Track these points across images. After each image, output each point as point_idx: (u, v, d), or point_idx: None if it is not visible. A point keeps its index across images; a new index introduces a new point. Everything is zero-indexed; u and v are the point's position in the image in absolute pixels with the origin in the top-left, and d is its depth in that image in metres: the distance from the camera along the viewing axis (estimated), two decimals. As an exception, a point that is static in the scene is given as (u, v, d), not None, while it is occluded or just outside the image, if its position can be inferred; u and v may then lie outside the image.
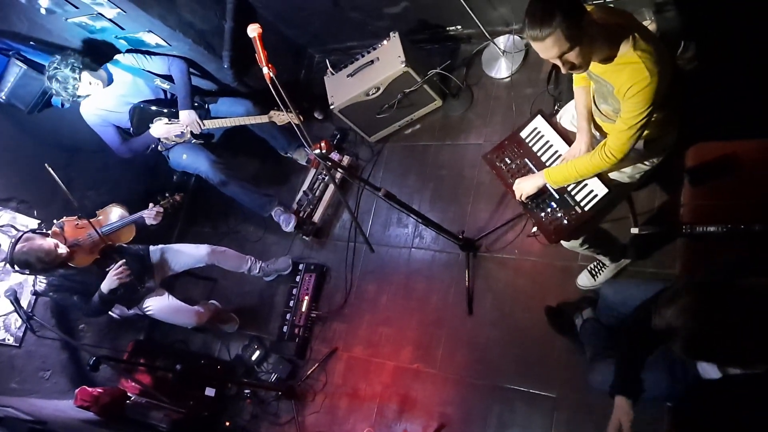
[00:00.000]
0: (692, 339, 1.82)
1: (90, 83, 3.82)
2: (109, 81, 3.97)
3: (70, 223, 3.78)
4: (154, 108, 4.10)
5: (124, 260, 3.66)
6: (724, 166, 2.68)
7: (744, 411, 2.06)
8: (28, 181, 4.17)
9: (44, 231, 3.66)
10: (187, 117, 4.02)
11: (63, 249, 3.55)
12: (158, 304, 3.97)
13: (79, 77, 3.74)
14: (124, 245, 3.95)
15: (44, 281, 3.70)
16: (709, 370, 2.19)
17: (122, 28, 3.95)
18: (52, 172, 3.39)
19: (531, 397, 3.35)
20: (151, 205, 3.90)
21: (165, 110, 4.10)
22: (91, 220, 3.76)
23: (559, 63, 2.16)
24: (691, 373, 2.30)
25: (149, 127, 4.08)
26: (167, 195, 4.00)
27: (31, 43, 3.97)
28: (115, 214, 3.96)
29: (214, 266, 4.23)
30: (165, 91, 4.16)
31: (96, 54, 4.06)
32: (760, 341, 1.78)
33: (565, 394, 3.25)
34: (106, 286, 3.61)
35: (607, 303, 2.82)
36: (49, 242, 3.50)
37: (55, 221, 3.76)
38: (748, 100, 2.98)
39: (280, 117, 4.11)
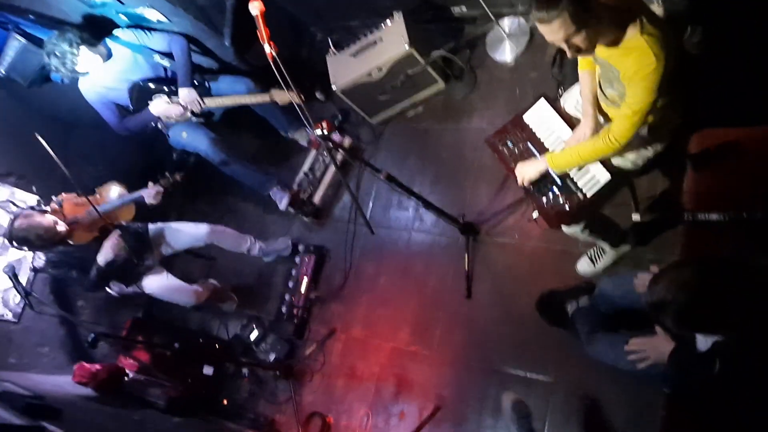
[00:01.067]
0: (682, 311, 1.84)
1: (89, 59, 3.79)
2: (108, 56, 3.93)
3: (69, 201, 3.77)
4: (153, 85, 4.07)
5: (119, 231, 3.65)
6: (727, 154, 2.66)
7: (737, 398, 2.08)
8: (26, 156, 4.14)
9: (43, 208, 3.65)
10: (187, 95, 3.99)
11: (62, 226, 3.54)
12: (157, 283, 3.97)
13: (78, 52, 3.71)
14: (124, 223, 3.94)
15: (43, 258, 3.70)
16: (700, 341, 2.21)
17: (122, 3, 3.90)
18: (43, 142, 3.35)
19: (527, 380, 3.36)
20: (150, 184, 3.88)
21: (165, 88, 4.07)
22: (90, 197, 3.74)
23: (565, 46, 2.13)
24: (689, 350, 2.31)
25: (148, 105, 4.05)
26: (167, 174, 3.99)
27: (30, 16, 3.92)
28: (114, 192, 3.95)
29: (213, 245, 4.22)
30: (165, 69, 4.12)
31: (95, 29, 4.01)
32: (746, 313, 1.82)
33: (562, 379, 3.26)
34: (102, 257, 3.63)
35: (606, 296, 2.80)
36: (48, 219, 3.49)
37: (54, 198, 3.75)
38: (753, 86, 2.95)
39: (282, 96, 4.08)
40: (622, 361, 2.53)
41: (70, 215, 3.68)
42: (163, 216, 4.35)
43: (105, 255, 3.62)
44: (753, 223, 2.50)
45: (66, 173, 3.43)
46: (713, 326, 1.94)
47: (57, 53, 3.67)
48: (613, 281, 2.79)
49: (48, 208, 3.67)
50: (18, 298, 3.96)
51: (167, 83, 4.10)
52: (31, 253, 3.90)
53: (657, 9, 2.91)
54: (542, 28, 2.09)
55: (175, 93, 4.02)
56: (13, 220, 3.45)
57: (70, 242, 3.65)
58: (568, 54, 2.18)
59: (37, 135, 3.32)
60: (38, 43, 3.89)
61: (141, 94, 4.07)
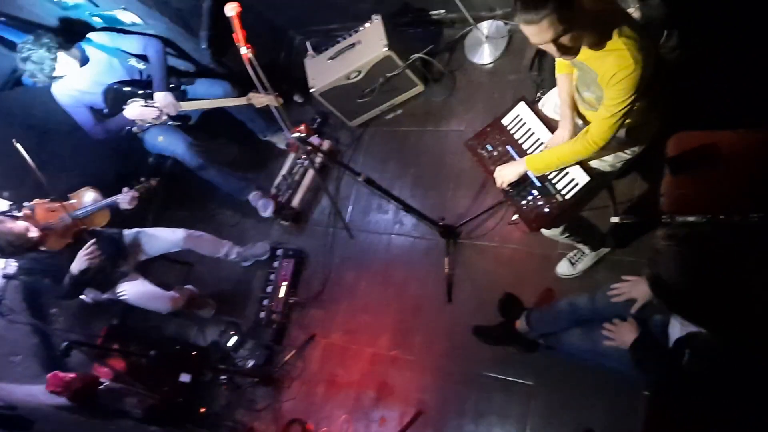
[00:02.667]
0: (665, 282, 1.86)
1: (65, 63, 3.72)
2: (84, 60, 3.85)
3: (42, 206, 3.69)
4: (128, 89, 4.00)
5: (94, 239, 3.58)
6: (705, 156, 2.68)
7: (718, 397, 2.09)
8: (-3, 162, 4.06)
9: (15, 214, 3.56)
10: (163, 99, 3.93)
11: (34, 232, 3.47)
12: (132, 289, 3.90)
13: (56, 58, 3.64)
14: (98, 229, 3.87)
15: (14, 264, 3.62)
16: (675, 325, 2.25)
17: (96, 5, 3.85)
18: (20, 148, 3.29)
19: (508, 384, 3.35)
20: (125, 189, 3.82)
21: (140, 91, 4.00)
22: (63, 203, 3.67)
23: (552, 47, 2.12)
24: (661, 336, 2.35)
25: (124, 109, 3.98)
26: (143, 180, 3.93)
27: (1, 19, 3.84)
28: (88, 197, 3.89)
29: (191, 251, 4.16)
30: (140, 72, 4.05)
31: (69, 32, 3.95)
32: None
33: (542, 382, 3.25)
34: (76, 266, 3.55)
35: (580, 312, 2.75)
36: (19, 225, 3.42)
37: (26, 203, 3.67)
38: (730, 90, 2.98)
39: (259, 99, 4.04)
40: (600, 347, 2.53)
41: (42, 221, 3.61)
42: (139, 222, 4.29)
43: (79, 263, 3.54)
44: (731, 225, 2.52)
45: (41, 178, 3.39)
46: (702, 307, 1.93)
47: (34, 59, 3.58)
48: (590, 298, 2.72)
49: (20, 214, 3.59)
50: (-11, 306, 3.87)
51: (143, 87, 4.03)
52: (2, 261, 3.81)
53: (634, 13, 2.93)
54: (529, 29, 2.06)
55: (151, 96, 3.95)
56: None
57: (43, 248, 3.57)
58: (555, 55, 2.18)
59: (15, 143, 3.26)
60: (8, 45, 3.81)
61: (116, 97, 3.99)
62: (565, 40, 2.08)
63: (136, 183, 3.89)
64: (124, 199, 3.80)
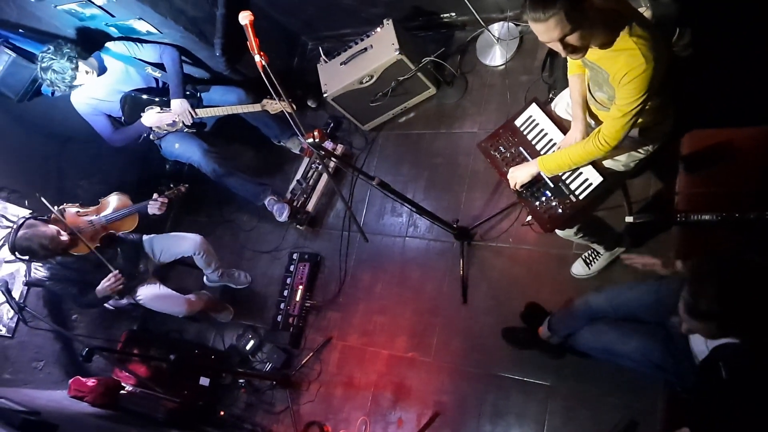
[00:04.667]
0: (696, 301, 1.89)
1: (86, 72, 3.78)
2: (101, 69, 3.92)
3: (71, 210, 3.75)
4: (145, 97, 4.06)
5: (118, 271, 3.65)
6: (719, 154, 2.68)
7: (735, 399, 2.08)
8: (19, 170, 4.13)
9: (45, 218, 3.61)
10: (179, 106, 3.99)
11: (65, 236, 3.51)
12: (149, 293, 3.97)
13: (77, 67, 3.70)
14: (121, 234, 3.92)
15: (41, 269, 3.67)
16: (699, 344, 2.21)
17: (112, 15, 3.91)
18: (45, 202, 3.39)
19: (525, 385, 3.35)
20: (155, 195, 3.88)
21: (156, 99, 4.06)
22: (92, 207, 3.74)
23: (559, 46, 2.13)
24: (682, 349, 2.33)
25: (141, 116, 4.04)
26: (172, 185, 3.99)
27: (20, 30, 3.92)
28: (117, 202, 3.93)
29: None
30: (157, 80, 4.11)
31: (86, 42, 4.01)
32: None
33: (559, 383, 3.26)
34: (100, 292, 3.63)
35: (599, 311, 2.73)
36: (51, 229, 3.46)
37: (55, 207, 3.71)
38: (743, 87, 2.97)
39: (273, 105, 4.08)
40: (617, 347, 2.53)
41: (72, 225, 3.64)
42: (157, 227, 4.34)
43: (103, 291, 3.63)
44: (745, 223, 2.50)
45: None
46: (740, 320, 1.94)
47: (56, 68, 3.62)
48: (606, 295, 2.70)
49: (50, 218, 3.63)
50: (11, 313, 3.93)
51: (159, 94, 4.09)
52: (23, 267, 3.87)
53: (646, 12, 2.92)
54: (537, 28, 2.08)
55: (167, 104, 4.01)
56: (16, 230, 3.40)
57: (73, 253, 3.62)
58: (563, 54, 2.18)
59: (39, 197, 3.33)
60: (28, 56, 3.88)
61: (133, 105, 4.06)
62: (572, 39, 2.08)
63: (166, 189, 3.95)
64: (155, 204, 3.87)
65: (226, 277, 4.44)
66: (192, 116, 4.05)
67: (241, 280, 4.52)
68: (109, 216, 3.82)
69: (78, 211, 3.78)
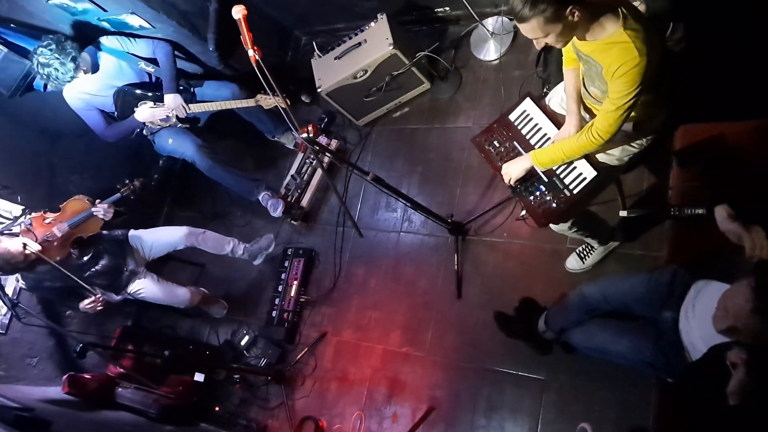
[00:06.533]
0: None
1: (84, 71, 3.76)
2: (95, 65, 3.89)
3: (38, 219, 3.65)
4: (138, 92, 4.05)
5: (99, 295, 3.62)
6: (711, 148, 2.68)
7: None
8: (10, 166, 4.11)
9: (13, 231, 3.56)
10: (173, 101, 3.97)
11: (33, 247, 3.42)
12: (148, 286, 3.95)
13: (78, 66, 3.67)
14: (103, 232, 3.89)
15: (25, 280, 3.63)
16: (696, 340, 2.21)
17: (105, 10, 3.87)
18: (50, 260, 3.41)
19: (520, 379, 3.36)
20: (97, 201, 3.80)
21: (150, 94, 4.04)
22: (56, 214, 3.68)
23: (551, 39, 2.14)
24: (672, 344, 2.33)
25: (134, 111, 4.02)
26: (126, 182, 3.92)
27: (12, 25, 3.89)
28: (78, 205, 3.81)
29: (200, 251, 4.18)
30: (150, 75, 4.10)
31: (79, 37, 3.98)
32: None
33: (554, 377, 3.27)
34: (81, 309, 3.63)
35: (590, 302, 2.73)
36: (15, 243, 3.36)
37: (22, 219, 3.67)
38: (736, 81, 2.98)
39: (267, 101, 4.07)
40: (610, 344, 2.53)
41: (41, 234, 3.57)
42: (151, 222, 4.32)
43: (83, 308, 3.63)
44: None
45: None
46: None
47: (56, 65, 3.58)
48: (598, 286, 2.69)
49: (19, 232, 3.58)
50: (4, 309, 3.92)
51: (152, 89, 4.08)
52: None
53: (639, 6, 2.92)
54: (518, 26, 2.11)
55: (161, 99, 3.99)
56: None
57: (50, 261, 3.51)
58: (537, 46, 2.20)
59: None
60: (20, 51, 3.84)
61: (126, 100, 4.04)
62: (551, 39, 2.11)
63: (120, 186, 3.89)
64: (98, 211, 3.78)
65: (256, 250, 4.35)
66: (185, 111, 4.03)
67: (264, 244, 4.39)
68: (71, 221, 3.73)
69: (45, 219, 3.67)
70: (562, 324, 2.89)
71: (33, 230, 3.58)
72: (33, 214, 3.71)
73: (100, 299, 3.61)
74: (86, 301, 3.60)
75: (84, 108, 3.99)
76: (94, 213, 3.77)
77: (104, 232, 3.90)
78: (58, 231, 3.63)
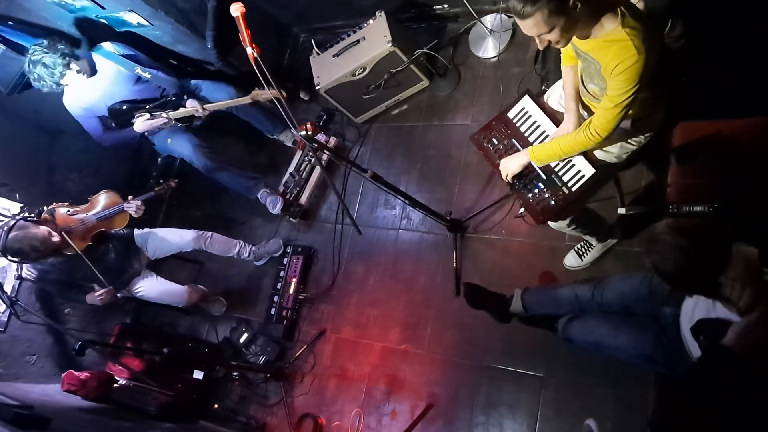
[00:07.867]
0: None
1: (77, 72, 3.76)
2: (93, 71, 3.90)
3: (61, 210, 3.71)
4: (133, 106, 4.07)
5: (110, 288, 3.67)
6: (710, 145, 2.68)
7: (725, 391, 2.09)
8: (9, 163, 4.11)
9: (35, 219, 3.58)
10: (192, 102, 4.07)
11: (56, 237, 3.48)
12: (149, 285, 3.97)
13: (69, 64, 3.67)
14: (112, 231, 3.91)
15: (32, 270, 3.65)
16: (686, 315, 2.24)
17: (102, 8, 3.87)
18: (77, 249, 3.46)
19: (518, 376, 3.37)
20: (130, 197, 3.86)
21: (146, 107, 4.06)
22: (82, 206, 3.72)
23: (552, 36, 2.13)
24: (673, 339, 2.34)
25: (132, 123, 4.04)
26: (162, 181, 3.99)
27: (9, 23, 3.88)
28: (108, 200, 3.91)
29: (202, 251, 4.19)
30: (147, 81, 4.07)
31: (78, 40, 4.00)
32: None
33: (552, 373, 3.27)
34: (89, 301, 3.68)
35: (583, 303, 2.75)
36: (42, 230, 3.43)
37: (45, 208, 3.68)
38: (734, 79, 2.98)
39: (263, 95, 4.06)
40: (610, 338, 2.54)
41: (62, 225, 3.60)
42: (150, 222, 4.32)
43: (91, 300, 3.68)
44: (736, 214, 2.52)
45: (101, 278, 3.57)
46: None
47: (46, 62, 3.60)
48: (594, 293, 2.70)
49: (41, 219, 3.60)
50: (3, 307, 3.91)
51: (147, 102, 4.10)
52: (14, 265, 3.85)
53: (638, 4, 2.92)
54: (520, 23, 2.10)
55: (156, 110, 4.02)
56: (7, 232, 3.36)
57: (67, 252, 3.57)
58: (539, 47, 2.20)
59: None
60: (18, 49, 3.84)
61: (122, 114, 4.06)
62: (551, 36, 2.11)
63: (156, 185, 3.94)
64: (130, 207, 3.87)
65: (263, 253, 4.39)
66: (202, 111, 4.08)
67: (273, 247, 4.42)
68: (99, 214, 3.79)
69: (68, 211, 3.75)
70: (545, 312, 2.90)
71: (55, 221, 3.58)
72: (56, 204, 3.75)
73: (112, 292, 3.64)
74: (99, 292, 3.62)
75: (84, 115, 4.02)
76: (126, 209, 3.80)
77: (113, 231, 3.92)
78: (82, 223, 3.66)
